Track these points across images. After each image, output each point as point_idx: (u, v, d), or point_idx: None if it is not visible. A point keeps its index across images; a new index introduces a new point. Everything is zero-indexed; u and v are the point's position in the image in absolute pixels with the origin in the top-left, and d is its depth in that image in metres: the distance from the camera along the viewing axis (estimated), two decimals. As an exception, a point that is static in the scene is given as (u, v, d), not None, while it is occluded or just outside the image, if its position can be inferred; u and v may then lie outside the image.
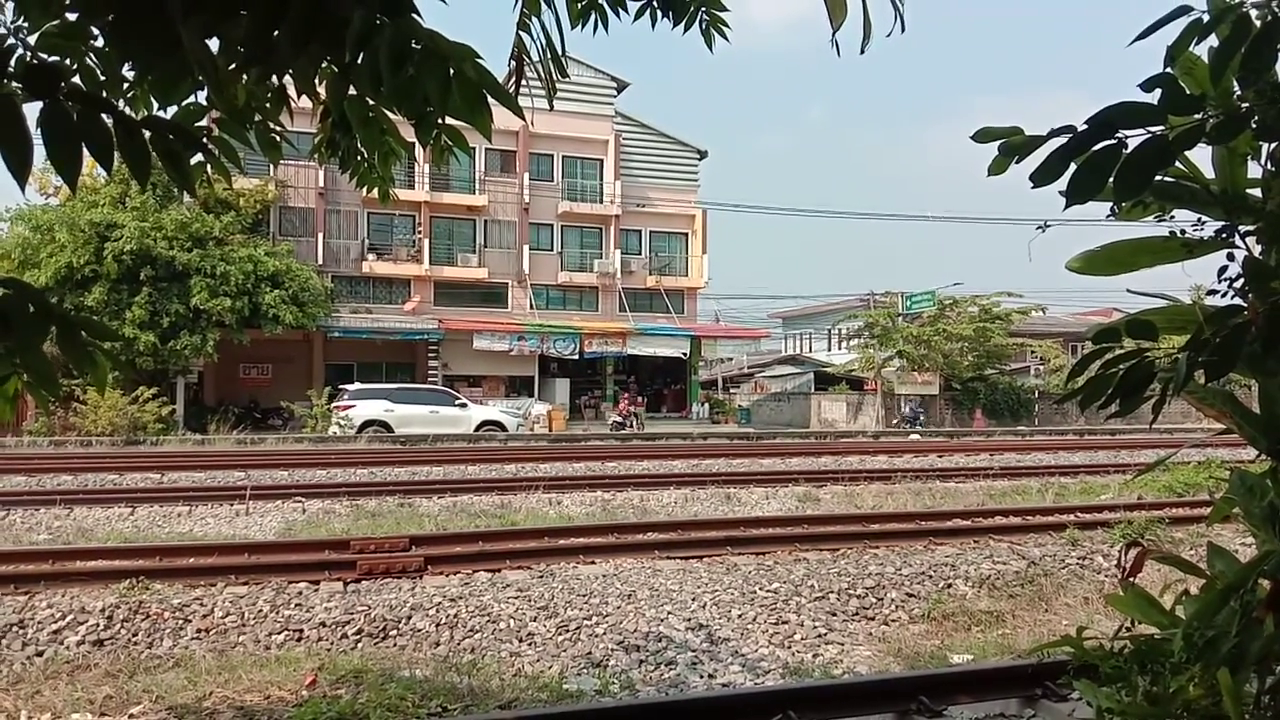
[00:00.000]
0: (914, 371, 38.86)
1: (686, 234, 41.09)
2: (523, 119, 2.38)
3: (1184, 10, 1.65)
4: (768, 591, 7.99)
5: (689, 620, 7.29)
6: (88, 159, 1.71)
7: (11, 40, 1.88)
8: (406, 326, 34.30)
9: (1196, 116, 1.68)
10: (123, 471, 17.29)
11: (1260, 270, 1.80)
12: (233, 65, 1.92)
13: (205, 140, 2.09)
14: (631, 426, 32.49)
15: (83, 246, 27.17)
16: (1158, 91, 1.65)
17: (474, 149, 35.08)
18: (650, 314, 39.20)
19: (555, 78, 3.11)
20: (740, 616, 7.42)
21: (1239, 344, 1.73)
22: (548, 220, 38.68)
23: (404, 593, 7.80)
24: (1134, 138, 1.65)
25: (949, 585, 8.50)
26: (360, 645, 6.77)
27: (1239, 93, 1.73)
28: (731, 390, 53.05)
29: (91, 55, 2.10)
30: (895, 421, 37.49)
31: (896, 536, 10.39)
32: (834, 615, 7.64)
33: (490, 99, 1.91)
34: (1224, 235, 1.89)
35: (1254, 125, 1.71)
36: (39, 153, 1.70)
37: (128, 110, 2.14)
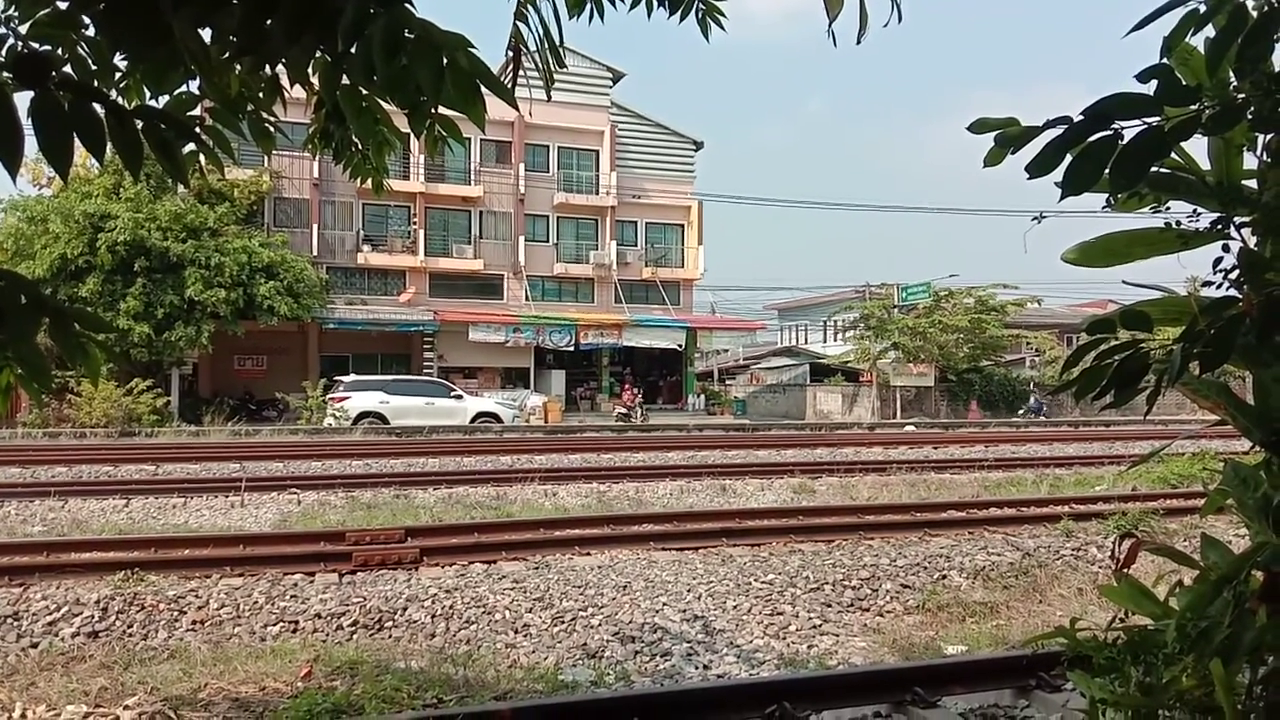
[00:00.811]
0: (910, 363, 38.94)
1: (682, 225, 41.04)
2: (517, 110, 2.37)
3: (1181, 1, 1.65)
4: (763, 583, 8.01)
5: (684, 611, 7.30)
6: (80, 149, 1.70)
7: (2, 29, 1.87)
8: (402, 318, 34.24)
9: (1193, 108, 1.67)
10: (117, 463, 17.25)
11: (1255, 262, 1.80)
12: (225, 55, 1.91)
13: (198, 130, 2.08)
14: (636, 417, 32.51)
15: (77, 237, 27.09)
16: (1154, 82, 1.64)
17: (469, 140, 35.29)
18: (646, 305, 39.18)
19: (553, 68, 3.10)
20: (735, 608, 7.44)
21: (1234, 335, 1.73)
22: (543, 211, 38.63)
23: (399, 584, 7.81)
24: (1130, 129, 1.65)
25: (944, 576, 8.52)
26: (356, 637, 6.77)
27: (1235, 84, 1.73)
28: (727, 382, 53.10)
29: (83, 44, 2.09)
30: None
31: (891, 528, 10.41)
32: (829, 606, 7.65)
33: (485, 90, 1.90)
34: (1219, 227, 1.89)
35: (1250, 116, 1.71)
36: (31, 143, 1.69)
37: (120, 100, 2.13)
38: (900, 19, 2.76)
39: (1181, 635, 1.89)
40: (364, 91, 2.15)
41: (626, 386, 35.60)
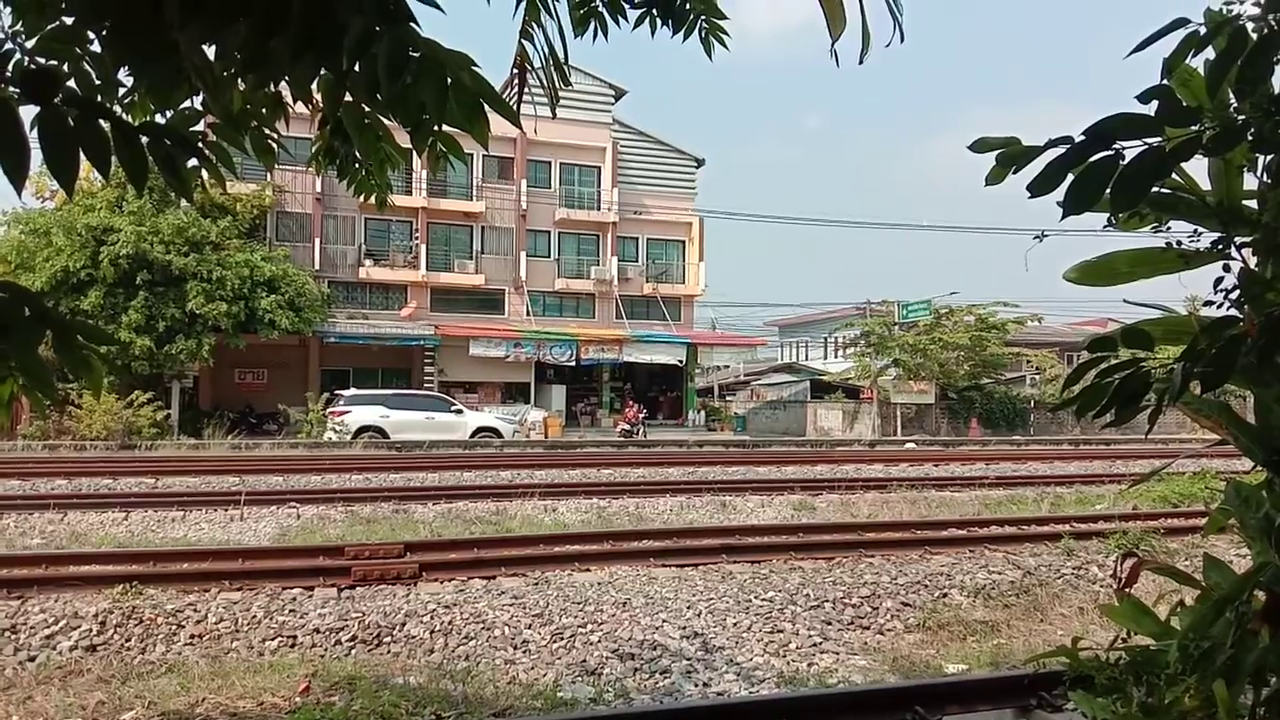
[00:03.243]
0: (910, 380, 38.92)
1: (683, 241, 41.14)
2: (520, 128, 2.38)
3: (1181, 22, 1.66)
4: (763, 600, 7.98)
5: (684, 628, 7.28)
6: (83, 163, 1.71)
7: (8, 45, 1.88)
8: (403, 332, 34.26)
9: (1193, 128, 1.68)
10: (117, 476, 17.24)
11: (1256, 282, 1.80)
12: (229, 71, 1.92)
13: (201, 145, 2.09)
14: (638, 434, 32.47)
15: (79, 250, 27.14)
16: (1154, 103, 1.65)
17: (471, 156, 35.41)
18: (647, 321, 39.20)
19: (557, 86, 3.11)
20: (735, 625, 7.41)
21: (1234, 355, 1.73)
22: (545, 227, 38.72)
23: (398, 599, 7.78)
24: (1131, 149, 1.65)
25: (944, 595, 8.49)
26: (354, 652, 6.75)
27: (1235, 105, 1.74)
28: (727, 398, 53.05)
29: (88, 60, 2.10)
30: None
31: (892, 545, 10.38)
32: (829, 624, 7.63)
33: (488, 108, 1.91)
34: (1220, 247, 1.89)
35: (1250, 137, 1.72)
36: (34, 156, 1.69)
37: (125, 115, 2.13)
38: (903, 39, 2.77)
39: (1184, 656, 1.88)
40: (366, 109, 2.16)
41: (630, 403, 35.58)
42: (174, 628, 6.97)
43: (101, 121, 1.67)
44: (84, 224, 27.28)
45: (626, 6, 3.01)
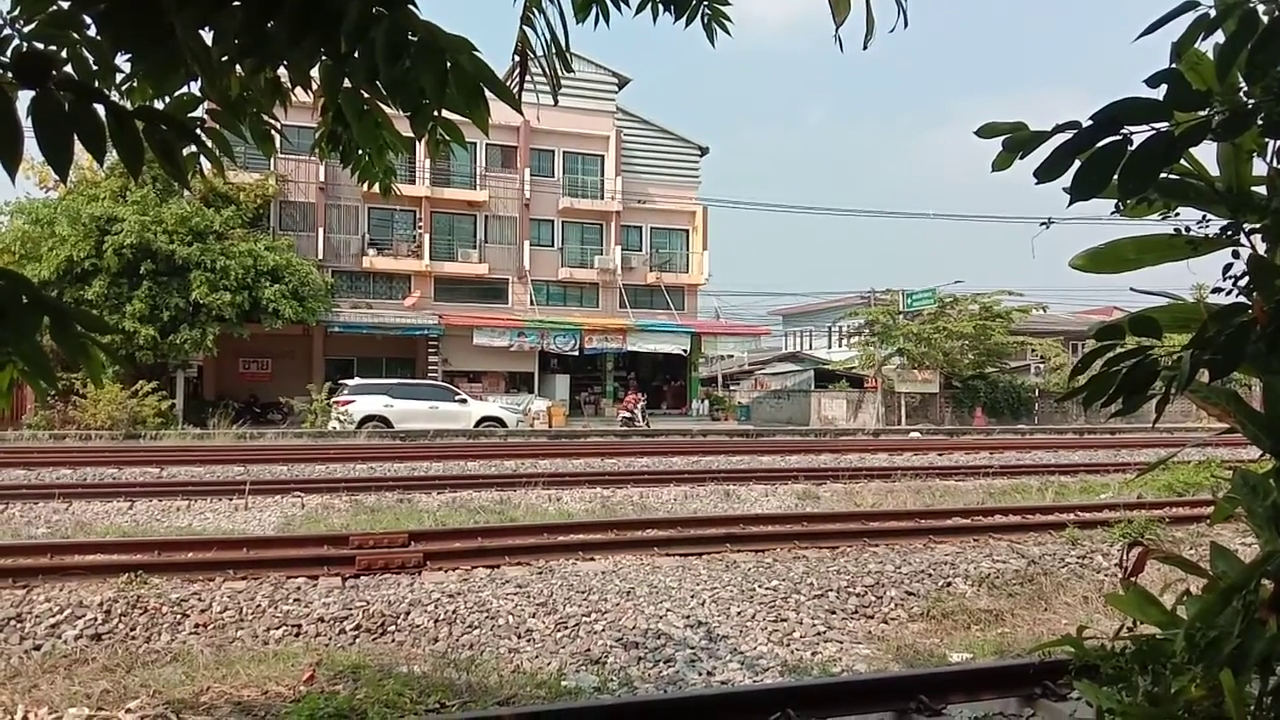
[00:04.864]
0: (914, 369, 38.90)
1: (687, 230, 41.08)
2: (521, 114, 2.36)
3: (1190, 5, 1.64)
4: (767, 589, 7.98)
5: (688, 617, 7.28)
6: (82, 151, 1.69)
7: (6, 30, 1.87)
8: (407, 322, 34.28)
9: (1202, 113, 1.66)
10: (122, 466, 17.28)
11: (1265, 268, 1.78)
12: (226, 56, 1.90)
13: (199, 132, 2.07)
14: (639, 422, 32.49)
15: (83, 240, 27.15)
16: (1163, 88, 1.63)
17: (474, 144, 35.40)
18: (650, 310, 39.20)
19: (560, 72, 3.09)
20: (739, 614, 7.41)
21: (1243, 342, 1.71)
22: (548, 216, 38.67)
23: (403, 588, 7.79)
24: (1139, 134, 1.63)
25: (948, 584, 8.48)
26: (358, 641, 6.76)
27: (1245, 89, 1.71)
28: (731, 387, 53.09)
29: (85, 45, 2.08)
30: None
31: (896, 534, 10.37)
32: (833, 613, 7.62)
33: (489, 93, 1.89)
34: (1229, 233, 1.87)
35: (1260, 122, 1.70)
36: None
37: (123, 101, 2.12)
38: (906, 24, 2.74)
39: (1190, 645, 1.87)
40: (365, 95, 2.14)
41: (629, 391, 35.59)
42: (179, 617, 6.98)
43: (97, 106, 1.65)
44: (88, 214, 27.29)
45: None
